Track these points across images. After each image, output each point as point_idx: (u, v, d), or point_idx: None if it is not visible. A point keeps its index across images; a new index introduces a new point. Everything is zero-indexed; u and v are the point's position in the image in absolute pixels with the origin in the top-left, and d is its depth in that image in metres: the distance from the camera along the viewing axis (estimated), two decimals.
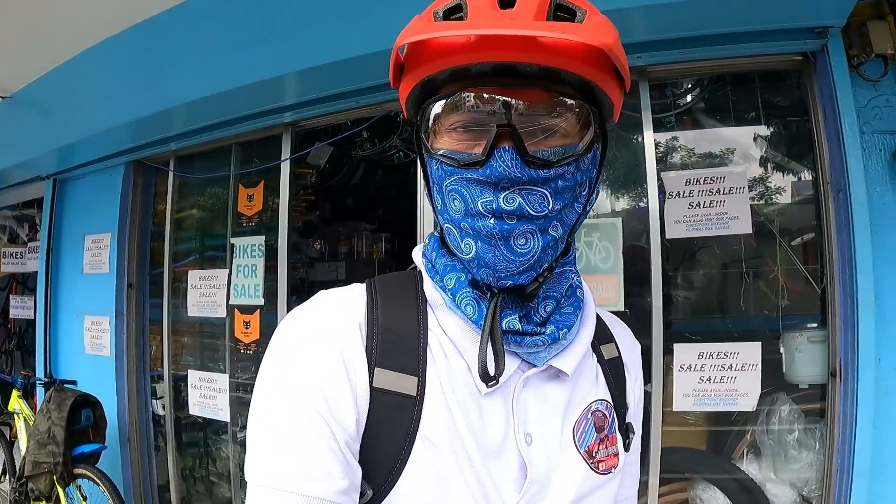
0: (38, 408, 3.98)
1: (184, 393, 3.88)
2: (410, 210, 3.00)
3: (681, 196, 2.68)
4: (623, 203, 2.91)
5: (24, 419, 4.05)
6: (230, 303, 3.61)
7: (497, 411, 0.77)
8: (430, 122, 0.77)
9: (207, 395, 3.67)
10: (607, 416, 0.86)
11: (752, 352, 2.56)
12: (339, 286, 0.85)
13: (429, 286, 0.83)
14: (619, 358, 0.94)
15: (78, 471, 3.40)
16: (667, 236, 2.66)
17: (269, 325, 3.44)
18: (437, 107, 0.75)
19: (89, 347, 4.13)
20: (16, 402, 4.16)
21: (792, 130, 2.82)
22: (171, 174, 3.93)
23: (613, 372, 0.91)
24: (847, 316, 2.38)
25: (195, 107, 3.27)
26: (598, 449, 0.82)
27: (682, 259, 2.88)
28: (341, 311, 0.78)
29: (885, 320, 2.33)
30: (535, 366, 0.79)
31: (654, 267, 2.62)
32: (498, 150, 0.70)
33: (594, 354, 0.89)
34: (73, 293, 4.39)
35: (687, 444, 2.86)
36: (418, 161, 0.83)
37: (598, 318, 0.93)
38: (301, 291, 4.19)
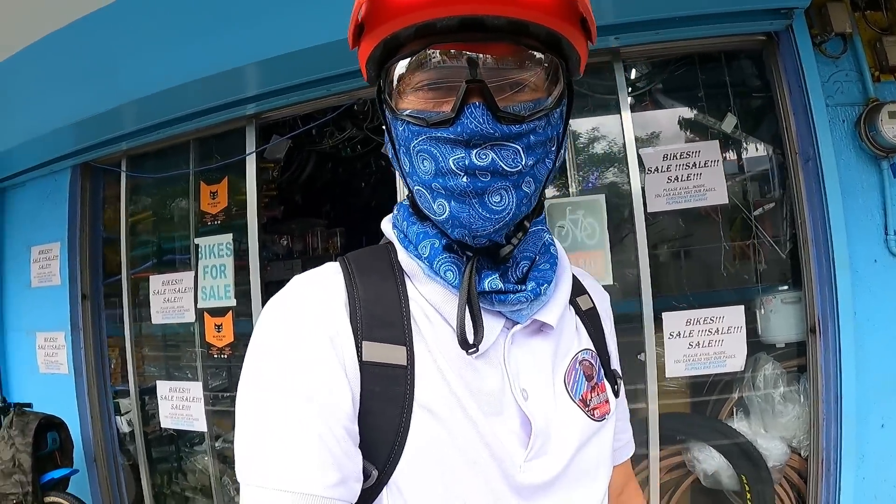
0: None
1: (149, 406, 3.70)
2: (362, 203, 2.95)
3: (659, 171, 2.79)
4: (606, 180, 2.99)
5: None
6: (198, 306, 3.45)
7: (491, 370, 0.76)
8: (395, 82, 0.75)
9: (180, 406, 3.49)
10: (594, 364, 0.88)
11: (736, 315, 2.71)
12: None
13: (403, 256, 0.81)
14: (594, 308, 0.96)
15: (49, 499, 3.20)
16: (648, 210, 2.76)
17: (243, 327, 3.33)
18: (402, 65, 0.73)
19: (44, 366, 3.87)
20: None
21: (753, 105, 2.98)
22: (123, 175, 3.73)
23: (591, 322, 0.93)
24: (822, 275, 2.56)
25: (149, 102, 3.10)
26: (591, 397, 0.84)
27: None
28: (321, 291, 0.76)
29: (858, 276, 2.53)
30: (520, 323, 0.80)
31: (639, 240, 2.72)
32: (468, 107, 0.68)
33: (571, 307, 0.90)
34: (21, 309, 4.11)
35: (674, 410, 2.98)
36: (383, 125, 0.81)
37: None
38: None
